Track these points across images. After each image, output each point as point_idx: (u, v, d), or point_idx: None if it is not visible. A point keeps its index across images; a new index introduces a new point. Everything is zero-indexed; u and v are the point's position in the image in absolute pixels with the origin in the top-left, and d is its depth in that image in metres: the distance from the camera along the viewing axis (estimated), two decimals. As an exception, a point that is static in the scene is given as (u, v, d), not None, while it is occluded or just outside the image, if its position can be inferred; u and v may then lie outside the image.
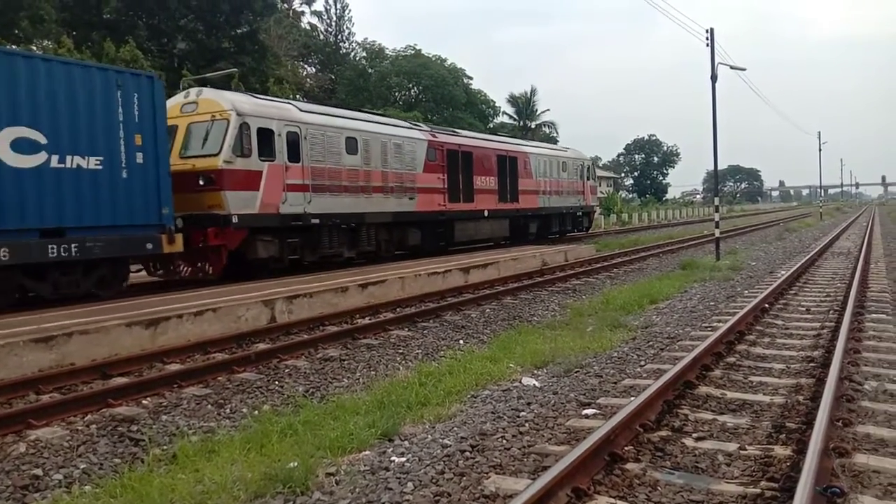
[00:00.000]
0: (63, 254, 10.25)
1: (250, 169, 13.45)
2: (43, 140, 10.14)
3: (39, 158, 10.11)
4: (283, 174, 14.16)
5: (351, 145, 16.07)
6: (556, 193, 27.05)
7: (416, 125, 20.91)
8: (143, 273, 14.09)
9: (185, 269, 13.57)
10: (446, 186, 19.87)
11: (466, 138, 22.65)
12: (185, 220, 12.48)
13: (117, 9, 34.07)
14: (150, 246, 11.49)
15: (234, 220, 13.01)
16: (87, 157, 10.65)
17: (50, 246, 10.14)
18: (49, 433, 5.70)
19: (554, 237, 27.38)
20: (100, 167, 10.81)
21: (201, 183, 12.83)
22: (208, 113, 13.40)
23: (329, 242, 15.58)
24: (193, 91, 14.30)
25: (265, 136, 13.77)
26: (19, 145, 9.88)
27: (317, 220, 14.92)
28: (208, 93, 14.27)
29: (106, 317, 8.87)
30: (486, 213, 22.00)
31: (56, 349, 7.71)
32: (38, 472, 4.96)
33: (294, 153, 14.44)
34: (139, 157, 11.31)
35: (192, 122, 13.47)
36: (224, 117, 13.24)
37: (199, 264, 13.45)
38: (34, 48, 29.95)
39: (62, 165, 10.35)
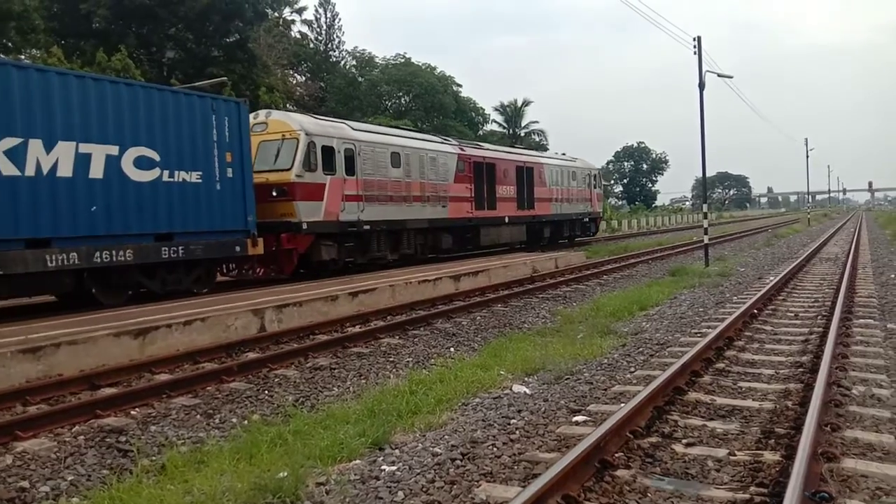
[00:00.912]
0: (172, 255, 12.04)
1: (316, 182, 15.39)
2: (157, 158, 11.88)
3: (154, 173, 11.86)
4: (342, 186, 16.16)
5: (395, 160, 18.20)
6: (566, 201, 29.13)
7: (446, 140, 22.99)
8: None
9: (258, 270, 15.34)
10: (473, 195, 21.90)
11: (490, 151, 24.78)
12: (259, 227, 13.95)
13: (106, 18, 33.95)
14: (238, 248, 13.34)
15: (304, 226, 14.94)
16: (190, 172, 12.44)
17: (163, 248, 11.91)
18: (36, 445, 5.65)
19: (564, 241, 29.52)
20: (199, 181, 12.64)
21: (274, 194, 14.65)
22: (279, 133, 15.29)
23: (377, 246, 17.66)
24: (263, 112, 16.07)
25: (327, 152, 15.75)
26: (140, 162, 11.63)
27: (368, 227, 16.96)
28: (277, 114, 16.43)
29: (94, 327, 8.82)
30: (506, 220, 23.93)
31: (44, 360, 7.66)
32: (25, 484, 4.91)
33: (350, 167, 16.45)
34: (229, 172, 13.13)
35: (262, 140, 15.15)
36: (294, 136, 15.20)
37: (272, 266, 15.25)
38: (23, 57, 29.84)
39: (171, 179, 12.12)
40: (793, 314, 10.52)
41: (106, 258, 10.99)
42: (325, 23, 58.07)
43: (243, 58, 37.65)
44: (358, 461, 4.94)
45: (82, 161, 10.85)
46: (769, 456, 4.56)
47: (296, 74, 54.23)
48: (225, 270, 15.01)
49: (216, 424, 6.32)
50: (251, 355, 8.89)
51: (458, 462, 4.71)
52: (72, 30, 34.14)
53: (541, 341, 9.21)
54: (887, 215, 73.78)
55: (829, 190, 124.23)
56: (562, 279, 16.94)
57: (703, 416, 5.55)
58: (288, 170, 14.95)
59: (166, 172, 12.03)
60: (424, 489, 4.28)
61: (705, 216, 23.05)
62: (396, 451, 5.13)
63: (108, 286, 11.67)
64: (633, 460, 4.60)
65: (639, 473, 4.35)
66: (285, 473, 4.50)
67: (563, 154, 33.96)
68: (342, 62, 59.23)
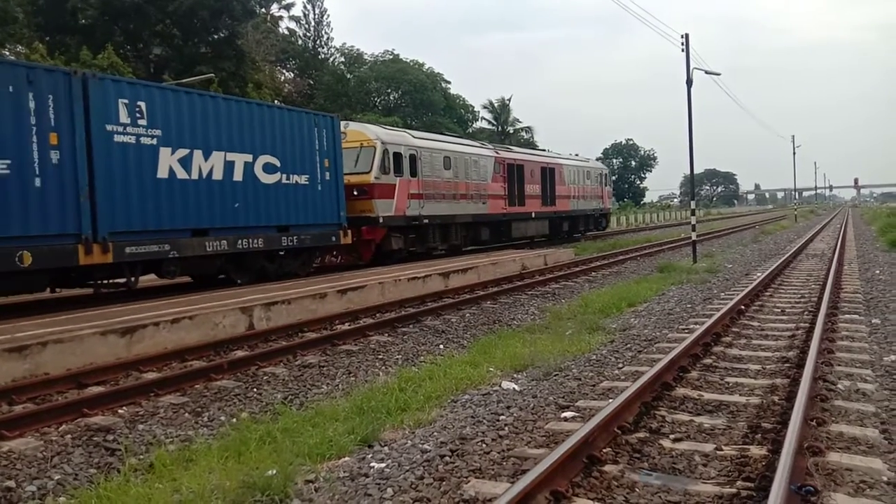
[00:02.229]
0: (289, 243, 14.77)
1: (389, 183, 18.16)
2: (278, 164, 14.46)
3: (277, 177, 14.43)
4: (408, 186, 18.94)
5: (446, 163, 21.13)
6: (582, 198, 32.27)
7: (484, 144, 26.31)
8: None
9: (339, 257, 18.38)
10: (506, 193, 24.71)
11: (519, 154, 28.05)
12: None
13: (93, 14, 33.65)
14: (334, 238, 16.10)
15: (380, 220, 17.76)
16: (300, 176, 15.09)
17: (282, 237, 14.58)
18: (22, 444, 5.60)
19: (578, 235, 32.42)
20: (307, 183, 15.25)
21: (355, 193, 17.24)
22: (357, 141, 17.95)
23: (432, 238, 20.59)
24: (342, 124, 17.65)
25: (397, 157, 18.59)
26: (267, 168, 14.17)
27: (426, 221, 19.80)
28: (354, 125, 19.06)
29: (80, 325, 8.76)
30: (533, 215, 26.97)
31: (30, 359, 7.59)
32: (11, 483, 4.88)
33: (413, 170, 19.26)
34: (327, 175, 15.80)
35: (343, 147, 17.03)
36: (371, 145, 17.98)
37: (352, 254, 18.10)
38: (7, 53, 29.53)
39: (288, 181, 14.73)
40: (779, 310, 10.60)
41: (245, 245, 13.64)
42: (314, 19, 57.91)
43: (232, 54, 37.44)
44: (347, 458, 4.94)
45: (229, 167, 13.37)
46: (756, 450, 4.60)
47: (284, 71, 54.02)
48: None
49: (204, 423, 6.30)
50: (239, 353, 8.86)
51: (447, 458, 4.71)
52: (57, 25, 33.80)
53: (530, 338, 9.23)
54: (873, 212, 74.41)
55: (816, 186, 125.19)
56: (551, 276, 16.98)
57: (691, 412, 5.59)
58: (367, 172, 17.65)
59: (284, 176, 14.65)
60: (413, 486, 4.29)
61: (693, 213, 23.16)
62: (385, 448, 5.13)
63: (241, 268, 14.26)
64: (622, 456, 4.62)
65: (627, 469, 4.38)
66: (274, 471, 4.50)
67: (577, 155, 36.24)
68: (331, 59, 59.06)
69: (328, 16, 59.60)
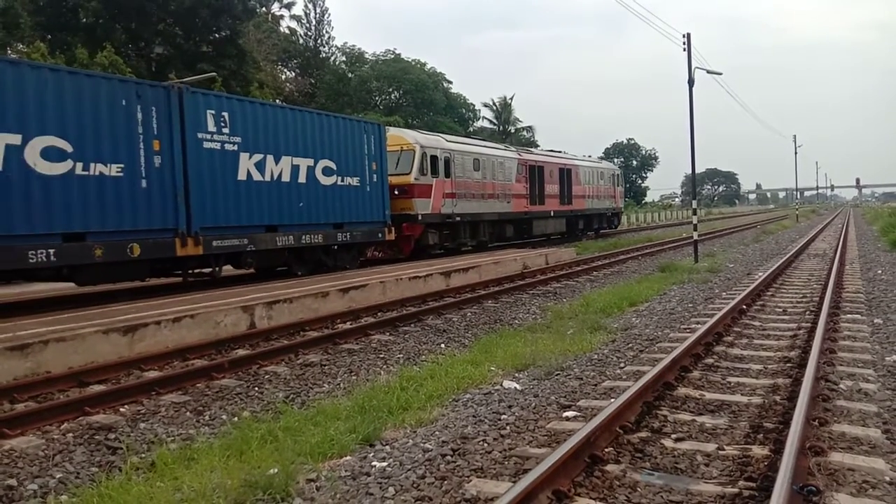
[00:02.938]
0: (343, 239, 16.39)
1: (427, 183, 19.87)
2: (335, 167, 16.03)
3: (334, 179, 16.08)
4: (443, 186, 20.66)
5: (476, 165, 22.81)
6: (596, 197, 33.93)
7: (508, 147, 28.16)
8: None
9: (381, 252, 19.92)
10: (528, 193, 26.42)
11: (540, 155, 29.77)
12: None
13: (94, 12, 33.63)
14: (380, 235, 17.72)
15: (419, 217, 19.46)
16: (353, 178, 16.68)
17: (338, 234, 16.18)
18: (24, 442, 5.61)
19: (592, 233, 34.09)
20: (358, 184, 16.84)
21: (396, 193, 18.68)
22: (397, 145, 19.49)
23: (463, 234, 22.35)
24: None
25: (433, 160, 20.34)
26: (325, 171, 15.73)
27: (459, 218, 21.51)
28: (394, 131, 20.99)
29: (82, 324, 8.76)
30: (552, 213, 28.61)
31: (31, 357, 7.60)
32: (13, 482, 4.88)
33: (447, 171, 20.95)
34: (374, 178, 17.34)
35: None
36: (411, 148, 19.69)
37: (393, 249, 19.60)
38: (9, 52, 29.54)
39: (343, 183, 16.32)
40: (781, 310, 10.58)
41: (307, 240, 15.20)
42: (315, 18, 57.84)
43: (233, 53, 37.42)
44: (348, 457, 4.93)
45: (295, 170, 14.90)
46: (758, 450, 4.59)
47: (285, 70, 54.01)
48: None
49: (206, 421, 6.30)
50: (241, 352, 8.86)
51: (448, 458, 4.71)
52: (58, 24, 33.79)
53: (531, 337, 9.22)
54: (874, 212, 74.32)
55: (818, 186, 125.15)
56: (552, 275, 16.97)
57: (693, 412, 5.58)
58: (408, 174, 19.31)
59: (339, 178, 16.19)
60: (415, 485, 4.28)
61: (695, 212, 23.15)
62: (387, 447, 5.13)
63: (302, 261, 15.72)
64: (623, 455, 4.62)
65: (629, 468, 4.37)
66: (276, 470, 4.49)
67: (590, 156, 37.76)
68: (332, 58, 59.02)
69: (329, 15, 59.39)
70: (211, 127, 13.05)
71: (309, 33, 57.92)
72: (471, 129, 60.34)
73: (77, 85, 11.02)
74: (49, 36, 32.61)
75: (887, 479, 4.11)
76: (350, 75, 56.99)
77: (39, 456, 5.37)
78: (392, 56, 58.51)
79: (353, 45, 61.04)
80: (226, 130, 13.32)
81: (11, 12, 29.02)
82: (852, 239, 28.55)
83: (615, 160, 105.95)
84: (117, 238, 11.35)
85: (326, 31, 58.53)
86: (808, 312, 10.10)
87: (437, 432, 5.37)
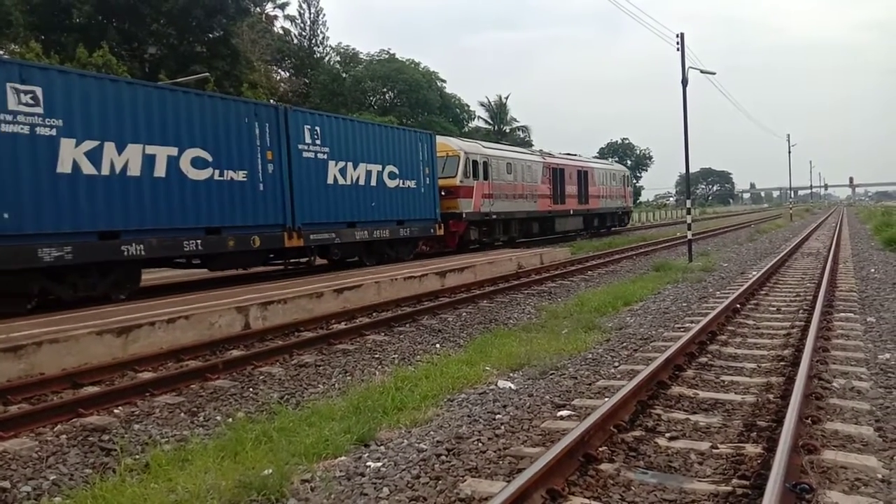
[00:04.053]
0: (404, 234, 18.95)
1: (469, 185, 22.61)
2: (398, 171, 18.61)
3: (397, 182, 18.54)
4: (482, 188, 23.34)
5: (508, 168, 25.59)
6: (609, 197, 36.64)
7: (534, 151, 31.34)
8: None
9: (427, 247, 22.17)
10: (551, 193, 29.07)
11: (561, 158, 32.00)
12: None
13: (87, 12, 33.49)
14: (432, 230, 20.23)
15: (463, 216, 22.07)
16: (411, 180, 19.27)
17: (400, 229, 18.74)
18: (17, 444, 5.59)
19: (605, 230, 36.59)
20: (415, 186, 19.33)
21: (443, 194, 21.07)
22: (444, 152, 21.97)
23: (497, 231, 24.97)
24: None
25: (475, 164, 23.05)
26: (390, 175, 18.34)
27: (494, 216, 24.21)
28: (441, 139, 22.78)
29: (76, 325, 8.74)
30: (571, 212, 31.35)
31: (25, 359, 7.58)
32: (6, 484, 4.86)
33: (485, 174, 23.66)
34: (427, 180, 19.93)
35: None
36: (456, 154, 22.44)
37: (439, 243, 22.04)
38: (2, 52, 29.41)
39: (404, 185, 18.87)
40: (775, 308, 10.62)
41: (378, 235, 17.79)
42: (310, 18, 57.72)
43: (226, 54, 37.33)
44: (343, 458, 4.93)
45: (368, 175, 17.47)
46: (751, 448, 4.61)
47: (279, 70, 53.89)
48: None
49: (200, 422, 6.29)
50: (235, 353, 8.85)
51: (443, 458, 4.71)
52: (51, 24, 33.65)
53: (526, 337, 9.24)
54: (868, 211, 74.62)
55: (811, 185, 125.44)
56: (546, 275, 17.00)
57: (687, 410, 5.60)
58: (454, 177, 21.97)
59: (401, 181, 18.70)
60: (409, 485, 4.29)
61: (689, 212, 23.19)
62: (382, 447, 5.13)
63: (371, 253, 18.16)
64: (617, 454, 4.63)
65: (622, 467, 4.39)
66: (270, 471, 4.49)
67: (602, 158, 40.02)
68: (326, 58, 58.90)
69: (324, 15, 59.07)
70: (307, 139, 15.62)
71: (303, 33, 57.82)
72: (465, 128, 60.31)
73: (214, 106, 13.45)
74: (42, 36, 32.47)
75: (879, 476, 4.13)
76: (344, 75, 56.90)
77: (33, 458, 5.36)
78: (386, 56, 58.45)
79: (348, 45, 61.02)
80: (318, 142, 15.88)
81: (2, 10, 28.87)
82: (846, 238, 28.66)
83: (609, 160, 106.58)
84: (244, 232, 13.78)
85: (321, 31, 58.48)
86: (801, 311, 10.14)
87: (431, 432, 5.37)
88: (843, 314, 9.72)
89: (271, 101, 38.07)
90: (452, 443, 5.01)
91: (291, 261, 16.44)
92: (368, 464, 4.75)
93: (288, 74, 54.60)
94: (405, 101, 56.42)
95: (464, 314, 11.86)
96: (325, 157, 16.09)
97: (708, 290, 13.23)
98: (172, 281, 14.55)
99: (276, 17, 53.94)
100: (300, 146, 15.36)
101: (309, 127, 15.67)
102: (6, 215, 10.13)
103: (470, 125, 64.38)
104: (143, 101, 12.04)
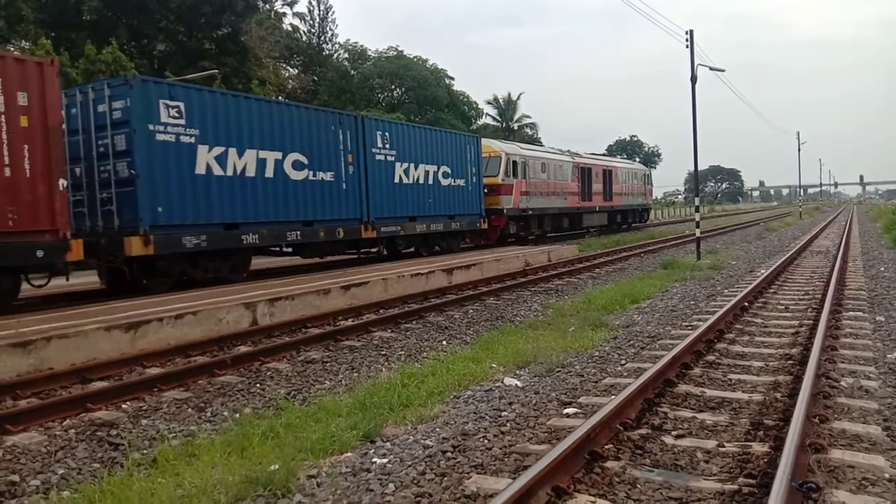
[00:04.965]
0: (455, 227, 21.35)
1: (509, 183, 25.02)
2: (450, 171, 20.87)
3: (449, 181, 20.83)
4: (520, 186, 25.69)
5: (543, 168, 27.86)
6: (630, 195, 39.01)
7: (565, 151, 32.58)
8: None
9: (469, 239, 24.04)
10: (580, 191, 31.37)
11: (588, 158, 34.63)
12: None
13: (97, 9, 33.61)
14: (478, 224, 22.67)
15: (504, 211, 24.53)
16: (461, 179, 21.47)
17: (452, 223, 21.03)
18: (26, 438, 5.63)
19: (625, 226, 39.10)
20: (464, 184, 21.64)
21: (486, 191, 23.09)
22: (486, 153, 23.92)
23: (533, 225, 27.36)
24: None
25: (514, 164, 25.47)
26: (444, 174, 20.60)
27: (531, 212, 26.65)
28: (485, 141, 24.59)
29: (85, 321, 8.78)
30: (597, 209, 33.66)
31: (34, 354, 7.62)
32: (15, 478, 4.90)
33: (523, 173, 26.01)
34: (474, 179, 22.25)
35: None
36: (497, 155, 24.81)
37: (482, 237, 24.05)
38: (11, 48, 29.55)
39: (455, 184, 21.11)
40: (783, 307, 10.57)
41: (433, 228, 20.21)
42: (319, 15, 57.71)
43: (235, 50, 37.36)
44: (349, 454, 4.95)
45: (426, 174, 19.71)
46: (758, 447, 4.59)
47: (288, 67, 53.92)
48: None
49: (207, 418, 6.32)
50: (243, 349, 8.89)
51: (448, 454, 4.72)
52: (61, 21, 33.78)
53: (532, 334, 9.23)
54: (878, 209, 74.10)
55: (821, 183, 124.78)
56: (554, 272, 16.98)
57: (693, 408, 5.59)
58: (496, 176, 24.34)
59: (453, 179, 21.05)
60: (415, 481, 4.29)
61: (697, 210, 23.11)
62: (388, 443, 5.14)
63: (426, 245, 20.49)
64: (623, 452, 4.62)
65: (628, 465, 4.38)
66: (277, 466, 4.51)
67: (624, 157, 41.54)
68: (335, 55, 58.91)
69: (333, 12, 59.01)
70: (379, 144, 17.89)
71: (312, 30, 57.83)
72: (473, 126, 60.19)
73: (309, 116, 15.87)
74: (52, 33, 32.60)
75: (887, 476, 4.11)
76: (353, 72, 56.87)
77: (42, 452, 5.40)
78: (394, 53, 58.40)
79: (356, 42, 60.92)
80: (387, 146, 18.16)
81: (14, 6, 28.99)
82: (855, 236, 28.48)
83: (618, 157, 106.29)
84: (331, 224, 16.13)
85: (330, 28, 58.46)
86: (809, 309, 10.09)
87: (437, 429, 5.38)
88: (851, 313, 9.66)
89: (279, 97, 38.19)
90: (458, 440, 5.02)
91: (362, 251, 18.72)
92: (374, 460, 4.76)
93: (297, 71, 54.62)
94: (413, 98, 56.36)
95: (470, 311, 11.86)
96: (393, 159, 18.36)
97: (716, 288, 13.18)
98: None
99: (284, 14, 54.02)
100: (373, 150, 17.65)
101: (380, 133, 17.99)
102: (160, 209, 12.30)
103: (478, 122, 64.28)
104: (256, 113, 14.33)
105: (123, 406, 6.56)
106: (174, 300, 10.75)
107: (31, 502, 4.51)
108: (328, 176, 16.06)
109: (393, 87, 57.51)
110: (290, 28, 54.86)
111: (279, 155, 14.75)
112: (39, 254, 10.28)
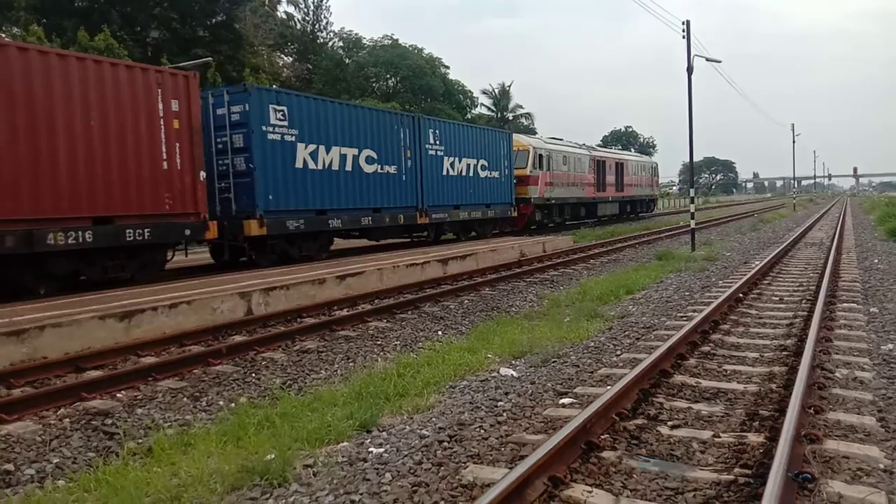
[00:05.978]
0: (490, 215, 23.73)
1: (536, 175, 27.45)
2: (487, 164, 23.35)
3: (486, 173, 23.36)
4: (544, 177, 28.15)
5: (564, 161, 30.26)
6: (639, 186, 41.57)
7: (582, 145, 34.79)
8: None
9: (496, 229, 25.16)
10: (595, 182, 33.82)
11: (602, 152, 37.86)
12: None
13: (89, -4, 33.33)
14: (509, 213, 25.12)
15: (532, 200, 27.01)
16: (495, 171, 23.99)
17: (488, 211, 23.53)
18: (21, 427, 5.61)
19: (633, 216, 41.52)
20: (498, 176, 24.14)
21: (515, 182, 25.48)
22: (516, 147, 26.25)
23: (555, 214, 29.96)
24: None
25: (540, 157, 27.87)
26: (482, 167, 23.11)
27: (554, 202, 29.33)
28: (514, 136, 26.91)
29: (79, 310, 8.75)
30: (610, 199, 36.28)
31: (28, 342, 7.59)
32: (10, 467, 4.89)
33: (547, 166, 28.42)
34: (507, 171, 24.73)
35: None
36: (525, 149, 27.26)
37: (509, 224, 25.93)
38: (3, 35, 29.28)
39: (490, 176, 23.61)
40: (778, 298, 10.60)
41: (473, 216, 22.63)
42: (313, 3, 57.29)
43: (229, 38, 37.13)
44: (345, 443, 4.94)
45: (467, 167, 22.25)
46: (753, 438, 4.61)
47: (282, 55, 53.58)
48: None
49: (203, 407, 6.31)
50: (238, 338, 8.87)
51: (445, 444, 4.72)
52: (53, 7, 33.46)
53: (528, 325, 9.24)
54: (871, 201, 74.37)
55: (815, 175, 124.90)
56: (549, 263, 16.98)
57: (689, 399, 5.60)
58: (524, 168, 26.77)
59: (490, 172, 23.53)
60: (412, 471, 4.29)
61: (692, 201, 23.12)
62: (384, 433, 5.14)
63: (465, 230, 23.12)
64: (619, 442, 4.63)
65: (624, 455, 4.39)
66: (273, 455, 4.50)
67: (632, 150, 42.33)
68: (329, 43, 58.54)
69: (328, 0, 58.63)
70: (431, 140, 20.29)
71: (307, 18, 57.43)
72: (468, 115, 60.03)
73: (377, 116, 18.43)
74: (44, 20, 32.29)
75: (881, 466, 4.13)
76: (347, 61, 56.56)
77: (36, 441, 5.38)
78: (390, 42, 58.11)
79: (351, 31, 60.54)
80: (437, 142, 20.60)
81: None
82: (849, 228, 28.58)
83: (613, 148, 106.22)
84: (394, 212, 18.60)
85: (324, 17, 58.03)
86: (804, 301, 10.12)
87: (433, 419, 5.38)
88: (846, 304, 9.70)
89: (274, 86, 37.99)
90: (454, 429, 5.02)
91: (414, 235, 21.12)
92: (371, 449, 4.76)
93: (291, 59, 54.29)
94: (408, 87, 56.12)
95: (466, 302, 11.86)
96: (442, 153, 20.80)
97: (711, 280, 13.21)
98: (177, 267, 14.51)
99: (278, 1, 53.60)
100: (426, 145, 20.05)
101: (432, 130, 20.40)
102: (271, 197, 14.72)
103: (473, 112, 64.09)
104: (339, 115, 16.79)
105: (118, 395, 6.55)
106: (169, 289, 10.72)
107: (27, 491, 4.49)
108: (392, 169, 18.49)
109: (388, 75, 57.23)
110: (284, 16, 54.50)
111: (356, 151, 17.20)
112: (187, 232, 12.90)
